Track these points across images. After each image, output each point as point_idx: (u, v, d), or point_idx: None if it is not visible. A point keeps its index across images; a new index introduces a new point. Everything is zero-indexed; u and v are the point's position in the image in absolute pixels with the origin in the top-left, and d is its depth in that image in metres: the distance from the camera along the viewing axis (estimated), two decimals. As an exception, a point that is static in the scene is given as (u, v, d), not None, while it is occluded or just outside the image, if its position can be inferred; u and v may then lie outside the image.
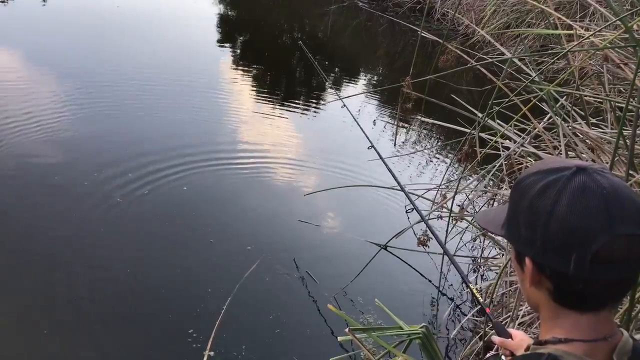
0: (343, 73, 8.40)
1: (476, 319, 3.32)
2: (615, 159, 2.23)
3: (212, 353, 2.79)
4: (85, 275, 3.23)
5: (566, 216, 0.79)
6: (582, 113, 2.72)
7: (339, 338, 2.72)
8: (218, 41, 9.08)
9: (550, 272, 0.84)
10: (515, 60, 2.84)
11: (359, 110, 6.87)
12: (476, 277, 3.67)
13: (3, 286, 3.08)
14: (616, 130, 2.62)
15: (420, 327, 2.67)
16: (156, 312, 3.05)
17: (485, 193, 3.32)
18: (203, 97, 6.37)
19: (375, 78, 8.66)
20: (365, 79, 8.61)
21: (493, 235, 3.57)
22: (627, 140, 2.25)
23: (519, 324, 2.75)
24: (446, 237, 3.07)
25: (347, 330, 2.60)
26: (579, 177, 0.81)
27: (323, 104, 7.08)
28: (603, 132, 2.55)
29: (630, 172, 2.21)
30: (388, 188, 3.69)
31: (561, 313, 0.87)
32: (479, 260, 3.75)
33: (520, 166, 2.94)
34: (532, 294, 0.90)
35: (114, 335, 2.87)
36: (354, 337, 2.58)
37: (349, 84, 8.19)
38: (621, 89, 2.82)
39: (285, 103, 6.80)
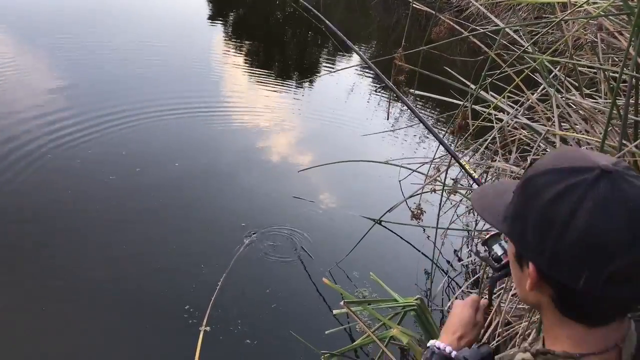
0: (337, 48, 8.31)
1: (470, 290, 3.35)
2: (609, 129, 2.22)
3: (208, 328, 2.81)
4: (78, 253, 3.23)
5: (584, 231, 0.71)
6: (576, 84, 2.70)
7: (335, 311, 2.75)
8: (209, 18, 8.96)
9: (555, 282, 0.77)
10: (509, 31, 2.81)
11: (353, 85, 6.83)
12: (470, 249, 3.68)
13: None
14: (610, 101, 2.61)
15: (415, 299, 2.69)
16: (151, 289, 3.05)
17: (479, 166, 3.31)
18: (196, 75, 6.31)
19: (370, 52, 8.58)
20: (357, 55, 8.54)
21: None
22: (620, 110, 2.24)
23: (512, 295, 2.77)
24: (439, 210, 3.07)
25: (342, 303, 2.62)
26: (603, 183, 0.72)
27: (317, 78, 7.03)
28: (596, 103, 2.54)
29: (624, 141, 2.20)
30: (382, 163, 3.68)
31: (567, 323, 0.80)
32: (472, 233, 3.77)
33: (513, 138, 2.93)
34: (531, 296, 0.83)
35: (109, 313, 2.88)
36: (350, 309, 2.60)
37: (342, 59, 8.12)
38: (615, 58, 2.80)
39: (278, 79, 6.75)
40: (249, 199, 4.05)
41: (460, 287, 3.43)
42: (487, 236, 1.19)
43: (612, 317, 0.79)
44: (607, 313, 0.78)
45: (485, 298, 1.24)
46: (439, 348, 1.14)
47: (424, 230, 3.77)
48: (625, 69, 2.06)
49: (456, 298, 3.33)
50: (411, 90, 2.91)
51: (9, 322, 2.74)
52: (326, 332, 2.74)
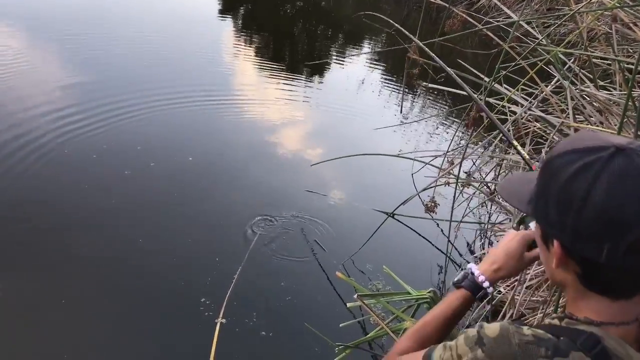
0: (348, 41, 8.30)
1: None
2: (624, 121, 2.22)
3: (224, 321, 2.85)
4: (96, 247, 3.27)
5: (602, 204, 0.75)
6: (590, 76, 2.69)
7: (348, 304, 2.77)
8: (220, 12, 8.97)
9: (579, 258, 0.81)
10: (522, 23, 2.80)
11: (364, 79, 6.83)
12: (483, 242, 3.69)
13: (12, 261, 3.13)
14: (625, 92, 2.60)
15: (428, 292, 2.70)
16: (167, 282, 3.09)
17: (492, 159, 3.31)
18: (206, 71, 6.34)
19: (380, 45, 8.55)
20: (370, 46, 8.51)
21: (502, 201, 3.58)
22: (635, 102, 2.23)
23: (526, 287, 2.78)
24: (453, 203, 3.08)
25: (355, 296, 2.64)
26: (618, 160, 0.75)
27: (327, 71, 7.03)
28: (611, 94, 2.52)
29: (639, 133, 2.19)
30: (394, 156, 3.69)
31: (591, 296, 0.84)
32: (486, 226, 3.77)
33: (527, 130, 2.93)
34: (557, 274, 0.87)
35: (126, 306, 2.92)
36: (363, 302, 2.62)
37: (352, 51, 8.11)
38: (630, 50, 2.78)
39: (288, 72, 6.76)
40: (262, 192, 4.07)
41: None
42: (522, 214, 1.21)
43: (635, 290, 0.82)
44: (629, 286, 0.81)
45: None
46: (472, 273, 1.13)
47: (437, 224, 3.77)
48: (640, 60, 2.05)
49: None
50: (424, 83, 2.91)
51: (30, 309, 2.79)
52: (340, 325, 2.76)
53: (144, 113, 4.98)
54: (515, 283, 3.07)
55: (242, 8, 9.58)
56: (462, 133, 4.34)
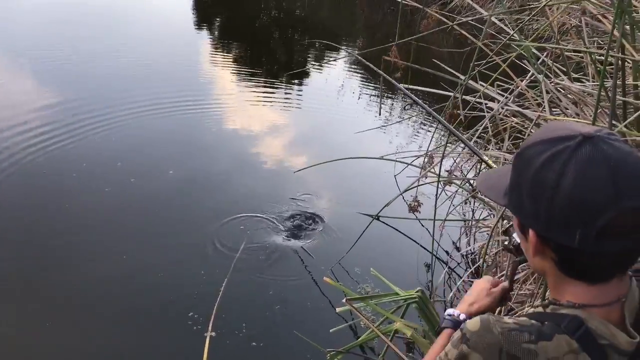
0: (324, 47, 8.32)
1: (471, 280, 3.37)
2: (598, 111, 2.25)
3: (213, 334, 2.82)
4: (80, 266, 3.23)
5: (571, 191, 0.77)
6: (564, 69, 2.72)
7: (338, 309, 2.76)
8: (195, 25, 8.95)
9: (555, 245, 0.83)
10: (494, 20, 2.83)
11: (342, 84, 6.85)
12: (468, 239, 3.70)
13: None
14: (597, 83, 2.63)
15: (416, 292, 2.70)
16: (155, 298, 3.06)
17: (472, 156, 3.33)
18: (184, 82, 6.31)
19: (357, 51, 8.59)
20: (347, 52, 8.54)
21: (484, 198, 3.60)
22: (608, 92, 2.26)
23: (519, 280, 2.79)
24: (436, 202, 3.09)
25: (344, 300, 2.63)
26: (585, 148, 0.77)
27: (306, 79, 7.04)
28: (584, 86, 2.56)
29: (614, 122, 2.22)
30: (377, 158, 3.70)
31: (569, 281, 0.86)
32: (470, 223, 3.79)
33: (504, 126, 2.95)
34: (536, 262, 0.89)
35: (114, 323, 2.88)
36: (352, 306, 2.61)
37: (330, 57, 8.13)
38: (600, 41, 2.82)
39: (267, 81, 6.75)
40: (246, 202, 4.05)
41: (461, 277, 3.45)
42: (508, 225, 1.26)
43: (611, 273, 0.84)
44: (605, 269, 0.83)
45: (506, 281, 1.28)
46: (451, 314, 1.19)
47: (422, 224, 3.78)
48: (610, 51, 2.08)
49: (458, 289, 3.35)
50: (402, 85, 2.92)
51: (14, 332, 2.73)
52: (331, 331, 2.75)
53: (122, 127, 4.94)
54: (502, 277, 3.09)
55: (217, 19, 9.57)
56: (442, 133, 4.36)
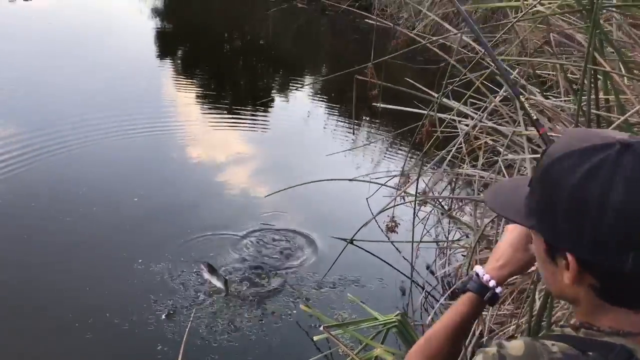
0: (288, 75, 8.31)
1: (449, 302, 3.29)
2: (571, 126, 2.24)
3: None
4: (39, 301, 3.01)
5: (623, 208, 0.68)
6: (537, 88, 2.74)
7: (315, 337, 2.63)
8: (158, 54, 8.82)
9: (599, 270, 0.73)
10: (466, 38, 2.84)
11: (309, 110, 6.81)
12: (444, 261, 3.64)
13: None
14: (569, 98, 2.65)
15: (395, 316, 2.61)
16: (122, 332, 2.87)
17: (448, 175, 3.31)
18: (147, 108, 6.15)
19: (322, 77, 8.60)
20: (312, 79, 8.57)
21: (459, 217, 3.56)
22: (582, 107, 2.27)
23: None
24: (414, 222, 3.02)
25: (322, 328, 2.51)
26: (627, 157, 0.69)
27: (272, 108, 6.99)
28: (558, 101, 2.57)
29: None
30: (350, 180, 3.62)
31: (609, 309, 0.76)
32: (445, 244, 3.73)
33: (479, 144, 2.94)
34: (568, 289, 0.77)
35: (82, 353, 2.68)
36: (330, 334, 2.50)
37: (295, 84, 8.12)
38: (568, 58, 2.85)
39: (233, 108, 6.66)
40: (215, 230, 3.90)
41: (438, 301, 3.37)
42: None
43: None
44: None
45: None
46: (477, 275, 1.03)
47: (396, 247, 3.70)
48: (583, 63, 2.09)
49: (435, 313, 3.27)
50: (376, 105, 2.89)
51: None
52: None
53: (84, 154, 4.75)
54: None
55: (180, 50, 9.47)
56: (413, 153, 4.34)
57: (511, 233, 1.04)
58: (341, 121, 6.48)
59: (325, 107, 7.09)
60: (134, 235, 3.73)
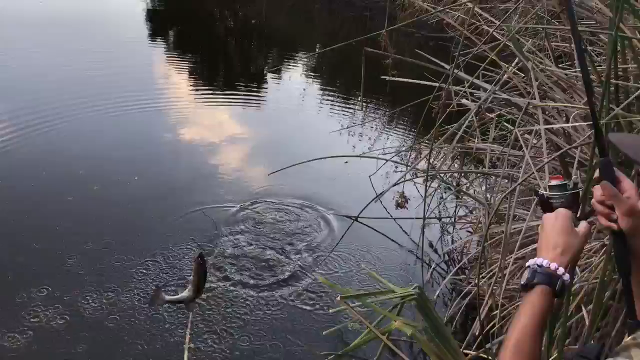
0: (282, 54, 8.20)
1: (456, 277, 3.29)
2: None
3: (192, 345, 2.62)
4: (44, 278, 2.97)
5: None
6: (550, 60, 2.71)
7: (331, 310, 2.63)
8: (150, 36, 8.66)
9: None
10: (477, 10, 2.80)
11: (305, 90, 6.74)
12: (452, 236, 3.64)
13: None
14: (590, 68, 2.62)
15: (414, 288, 2.59)
16: (129, 318, 2.83)
17: (459, 150, 3.29)
18: (142, 86, 6.05)
19: (317, 56, 8.50)
20: (306, 58, 8.45)
21: (470, 193, 3.55)
22: (601, 76, 2.25)
23: (509, 273, 2.73)
24: (425, 198, 3.00)
25: (338, 299, 2.49)
26: None
27: (268, 87, 6.91)
28: (573, 72, 2.55)
29: (605, 104, 2.20)
30: (356, 157, 3.60)
31: None
32: (450, 220, 3.73)
33: (490, 116, 2.91)
34: None
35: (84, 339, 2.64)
36: (348, 304, 2.47)
37: (289, 62, 8.03)
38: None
39: (229, 90, 6.58)
40: (221, 209, 3.85)
41: (448, 275, 3.37)
42: (553, 183, 1.10)
43: None
44: None
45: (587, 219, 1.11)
46: (540, 265, 0.98)
47: (399, 225, 3.68)
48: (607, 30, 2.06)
49: (444, 287, 3.27)
50: (387, 77, 2.84)
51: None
52: (324, 333, 2.61)
53: (78, 132, 4.66)
54: (491, 273, 3.03)
55: (172, 30, 9.31)
56: (420, 130, 4.30)
57: (560, 220, 1.02)
58: (340, 98, 6.41)
59: (322, 85, 7.02)
60: (140, 212, 3.68)
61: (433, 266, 3.44)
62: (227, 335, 2.73)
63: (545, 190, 1.08)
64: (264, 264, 3.29)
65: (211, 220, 3.67)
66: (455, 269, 3.35)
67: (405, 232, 3.66)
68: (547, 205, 1.07)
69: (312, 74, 7.37)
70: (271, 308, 2.95)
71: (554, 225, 1.02)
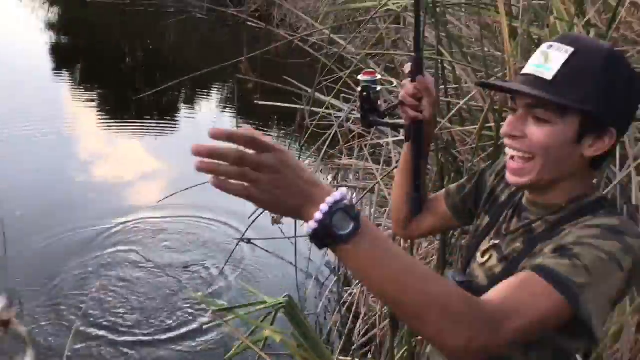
0: (195, 85, 8.19)
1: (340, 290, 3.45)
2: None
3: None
4: None
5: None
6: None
7: (204, 326, 2.71)
8: (54, 70, 8.46)
9: (620, 138, 0.93)
10: (336, 39, 3.04)
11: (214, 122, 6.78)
12: (325, 251, 3.77)
13: None
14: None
15: (284, 297, 2.72)
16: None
17: (326, 165, 3.51)
18: (43, 136, 5.90)
19: (226, 88, 8.57)
20: (215, 88, 8.53)
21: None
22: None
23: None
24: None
25: (210, 313, 2.57)
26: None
27: (178, 120, 6.94)
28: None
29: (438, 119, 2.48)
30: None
31: (590, 175, 0.97)
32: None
33: (353, 135, 3.15)
34: (573, 165, 0.92)
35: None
36: (219, 318, 2.55)
37: (201, 95, 8.09)
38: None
39: (137, 124, 6.52)
40: (106, 238, 3.86)
41: (328, 287, 3.53)
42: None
43: None
44: None
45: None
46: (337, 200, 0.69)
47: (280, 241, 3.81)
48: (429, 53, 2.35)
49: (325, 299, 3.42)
50: (255, 101, 3.03)
51: None
52: (198, 349, 2.69)
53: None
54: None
55: (79, 64, 9.13)
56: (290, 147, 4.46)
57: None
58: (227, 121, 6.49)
59: (230, 119, 7.12)
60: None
61: (313, 279, 3.59)
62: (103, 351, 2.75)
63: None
64: (148, 288, 3.33)
65: (92, 249, 3.67)
66: (334, 280, 3.51)
67: (291, 249, 3.79)
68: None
69: (225, 109, 7.42)
70: (146, 323, 2.99)
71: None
